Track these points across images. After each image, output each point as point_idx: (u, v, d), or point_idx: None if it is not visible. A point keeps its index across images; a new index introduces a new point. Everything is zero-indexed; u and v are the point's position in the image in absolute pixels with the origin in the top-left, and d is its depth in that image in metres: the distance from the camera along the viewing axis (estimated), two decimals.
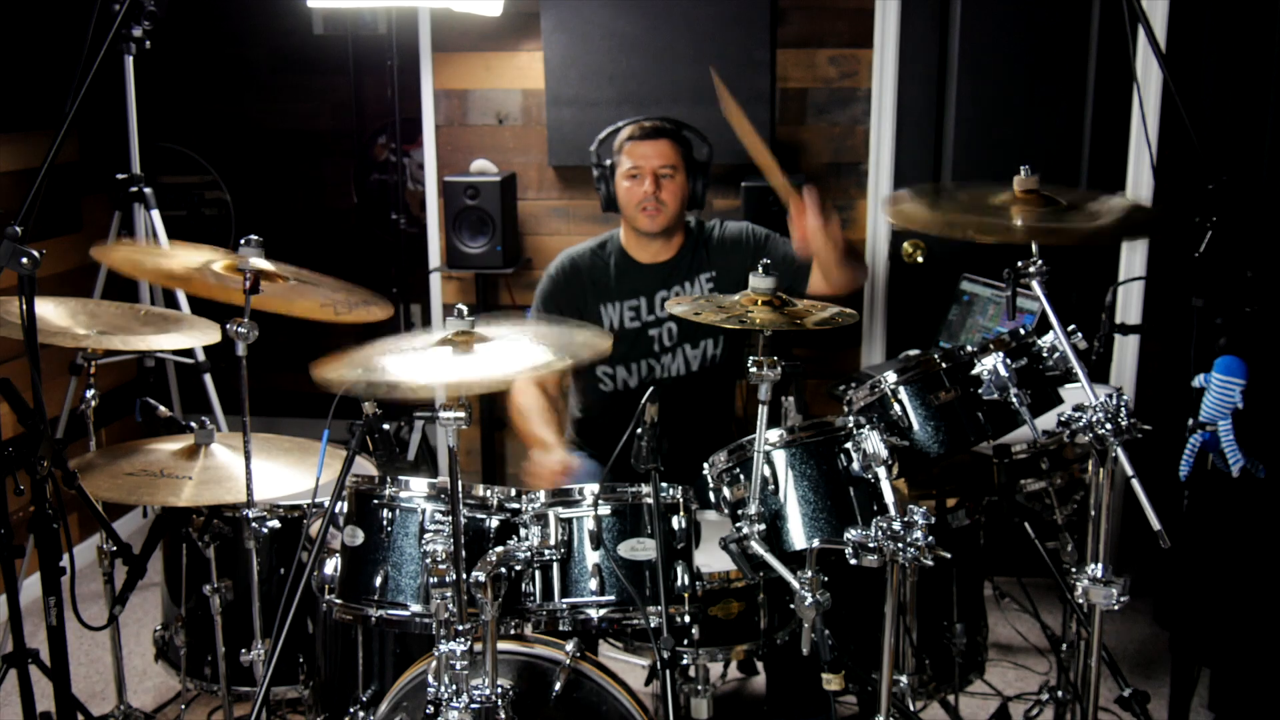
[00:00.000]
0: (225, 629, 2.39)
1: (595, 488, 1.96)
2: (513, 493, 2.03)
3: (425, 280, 3.98)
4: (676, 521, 1.97)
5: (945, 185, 2.13)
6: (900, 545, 1.69)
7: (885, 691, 1.82)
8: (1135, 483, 1.71)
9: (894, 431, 1.95)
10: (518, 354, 1.81)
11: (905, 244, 3.65)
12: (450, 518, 1.79)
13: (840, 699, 2.50)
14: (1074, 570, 1.88)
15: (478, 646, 1.78)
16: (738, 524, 1.88)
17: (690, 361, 2.74)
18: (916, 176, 3.63)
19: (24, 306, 1.81)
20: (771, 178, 2.43)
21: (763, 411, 1.84)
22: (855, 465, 1.88)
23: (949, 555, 1.70)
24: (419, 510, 1.98)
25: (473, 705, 1.76)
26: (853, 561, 1.73)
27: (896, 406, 1.98)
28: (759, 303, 1.95)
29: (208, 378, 3.48)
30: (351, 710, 2.21)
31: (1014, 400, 1.94)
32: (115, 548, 2.38)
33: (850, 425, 1.90)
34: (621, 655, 2.44)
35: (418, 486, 1.99)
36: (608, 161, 2.77)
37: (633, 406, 2.68)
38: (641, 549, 1.94)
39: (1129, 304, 3.52)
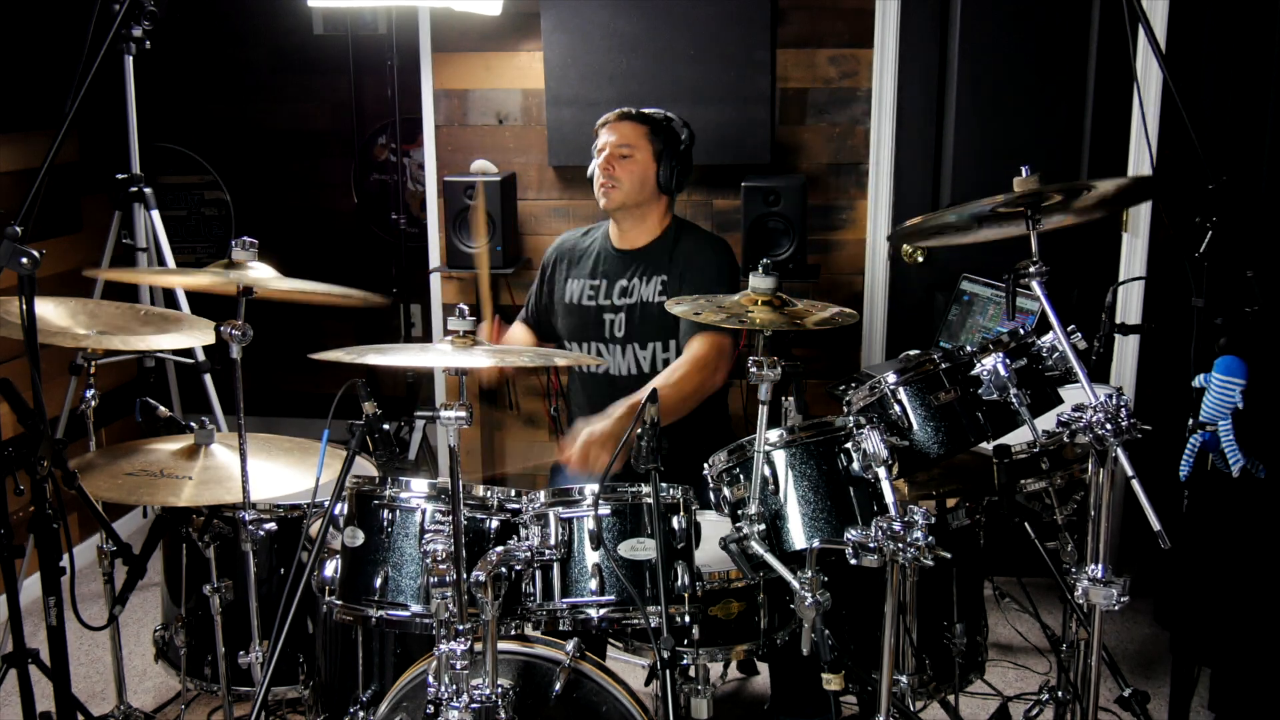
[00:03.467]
0: (225, 629, 2.38)
1: (595, 488, 1.96)
2: (513, 493, 2.03)
3: (425, 280, 3.98)
4: (676, 521, 1.97)
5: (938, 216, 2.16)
6: (900, 545, 1.69)
7: (885, 691, 1.82)
8: (1135, 483, 1.71)
9: (894, 431, 1.95)
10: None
11: (905, 244, 3.64)
12: (450, 518, 1.79)
13: (840, 699, 2.50)
14: (1074, 570, 1.88)
15: (478, 646, 1.79)
16: (738, 524, 1.88)
17: (641, 362, 2.78)
18: (916, 176, 3.63)
19: (24, 306, 1.81)
20: None
21: (763, 411, 1.84)
22: (855, 465, 1.88)
23: (949, 555, 1.70)
24: (419, 510, 1.98)
25: (473, 705, 1.76)
26: (853, 561, 1.73)
27: (896, 406, 1.98)
28: (759, 303, 1.95)
29: (207, 378, 3.48)
30: (351, 710, 2.21)
31: (1014, 400, 1.94)
32: (115, 548, 2.38)
33: (850, 425, 1.90)
34: (622, 655, 2.44)
35: (418, 487, 1.99)
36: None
37: (598, 389, 2.77)
38: (641, 549, 1.94)
39: (1129, 304, 3.52)
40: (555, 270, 2.93)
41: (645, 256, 2.79)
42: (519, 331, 2.97)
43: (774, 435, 1.92)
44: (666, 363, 2.74)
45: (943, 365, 1.99)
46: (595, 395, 2.79)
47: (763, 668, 2.99)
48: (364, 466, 2.52)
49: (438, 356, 1.84)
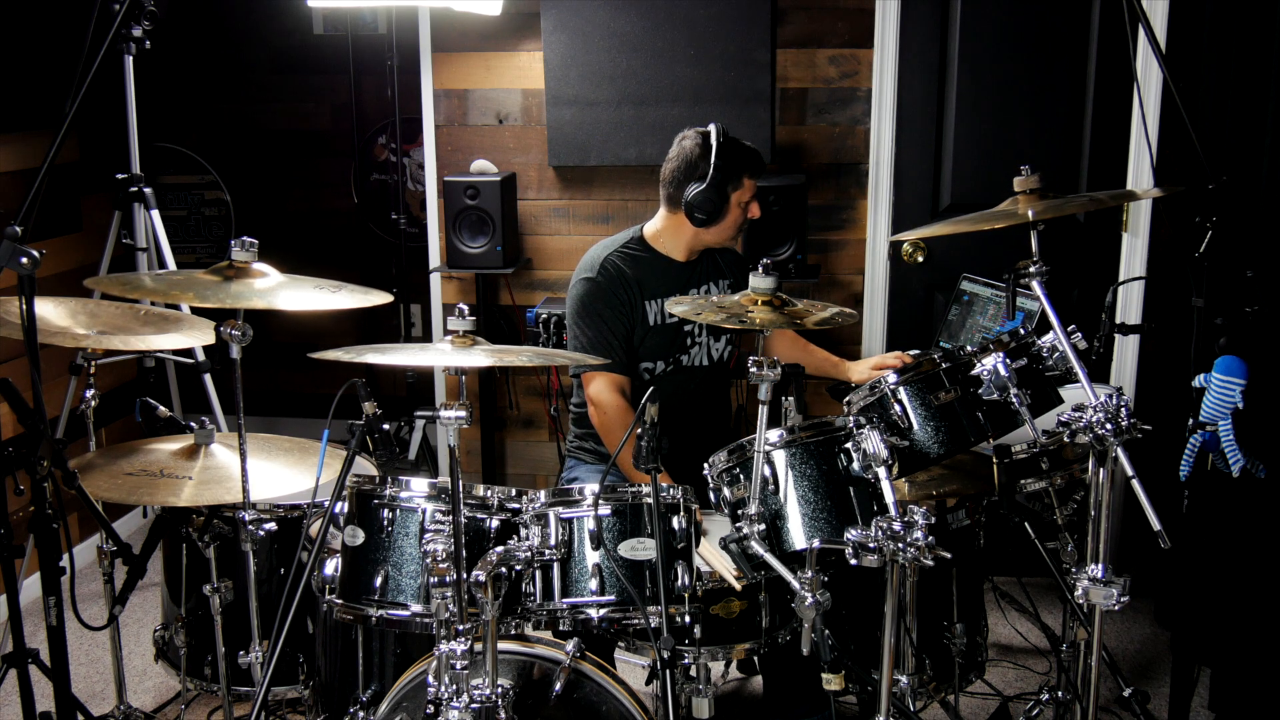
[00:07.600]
0: (225, 629, 2.38)
1: (595, 488, 1.96)
2: (513, 493, 2.03)
3: (425, 280, 3.98)
4: (676, 521, 1.97)
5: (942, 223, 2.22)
6: (900, 545, 1.69)
7: (885, 691, 1.82)
8: (1135, 483, 1.71)
9: (894, 431, 1.95)
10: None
11: (905, 244, 3.65)
12: (451, 518, 1.79)
13: (840, 699, 2.50)
14: (1074, 570, 1.88)
15: (478, 646, 1.79)
16: (738, 524, 1.88)
17: (713, 353, 2.81)
18: (916, 176, 3.63)
19: (24, 306, 1.81)
20: None
21: (763, 411, 1.84)
22: (855, 465, 1.88)
23: (949, 555, 1.70)
24: (419, 510, 1.98)
25: (473, 705, 1.76)
26: (853, 561, 1.73)
27: (896, 406, 1.98)
28: (759, 303, 1.95)
29: (207, 378, 3.48)
30: (351, 710, 2.21)
31: (1014, 400, 1.94)
32: (115, 548, 2.38)
33: (850, 425, 1.90)
34: (622, 655, 2.44)
35: (418, 486, 1.99)
36: (729, 184, 2.65)
37: (676, 379, 2.77)
38: (642, 549, 1.94)
39: (1129, 304, 3.52)
40: (631, 298, 2.70)
41: (704, 264, 2.83)
42: (619, 399, 2.63)
43: (774, 435, 1.92)
44: (723, 356, 2.83)
45: (943, 365, 1.99)
46: (672, 383, 2.76)
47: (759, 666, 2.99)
48: (364, 466, 2.52)
49: (438, 356, 1.84)
